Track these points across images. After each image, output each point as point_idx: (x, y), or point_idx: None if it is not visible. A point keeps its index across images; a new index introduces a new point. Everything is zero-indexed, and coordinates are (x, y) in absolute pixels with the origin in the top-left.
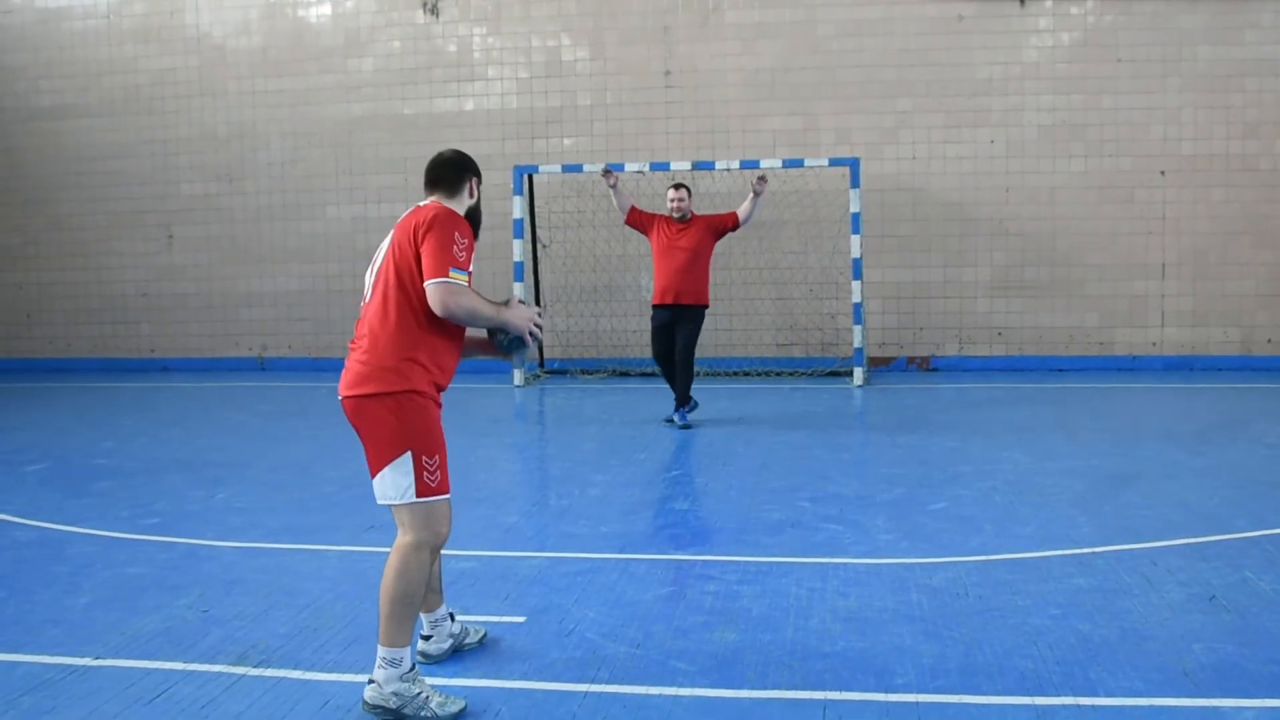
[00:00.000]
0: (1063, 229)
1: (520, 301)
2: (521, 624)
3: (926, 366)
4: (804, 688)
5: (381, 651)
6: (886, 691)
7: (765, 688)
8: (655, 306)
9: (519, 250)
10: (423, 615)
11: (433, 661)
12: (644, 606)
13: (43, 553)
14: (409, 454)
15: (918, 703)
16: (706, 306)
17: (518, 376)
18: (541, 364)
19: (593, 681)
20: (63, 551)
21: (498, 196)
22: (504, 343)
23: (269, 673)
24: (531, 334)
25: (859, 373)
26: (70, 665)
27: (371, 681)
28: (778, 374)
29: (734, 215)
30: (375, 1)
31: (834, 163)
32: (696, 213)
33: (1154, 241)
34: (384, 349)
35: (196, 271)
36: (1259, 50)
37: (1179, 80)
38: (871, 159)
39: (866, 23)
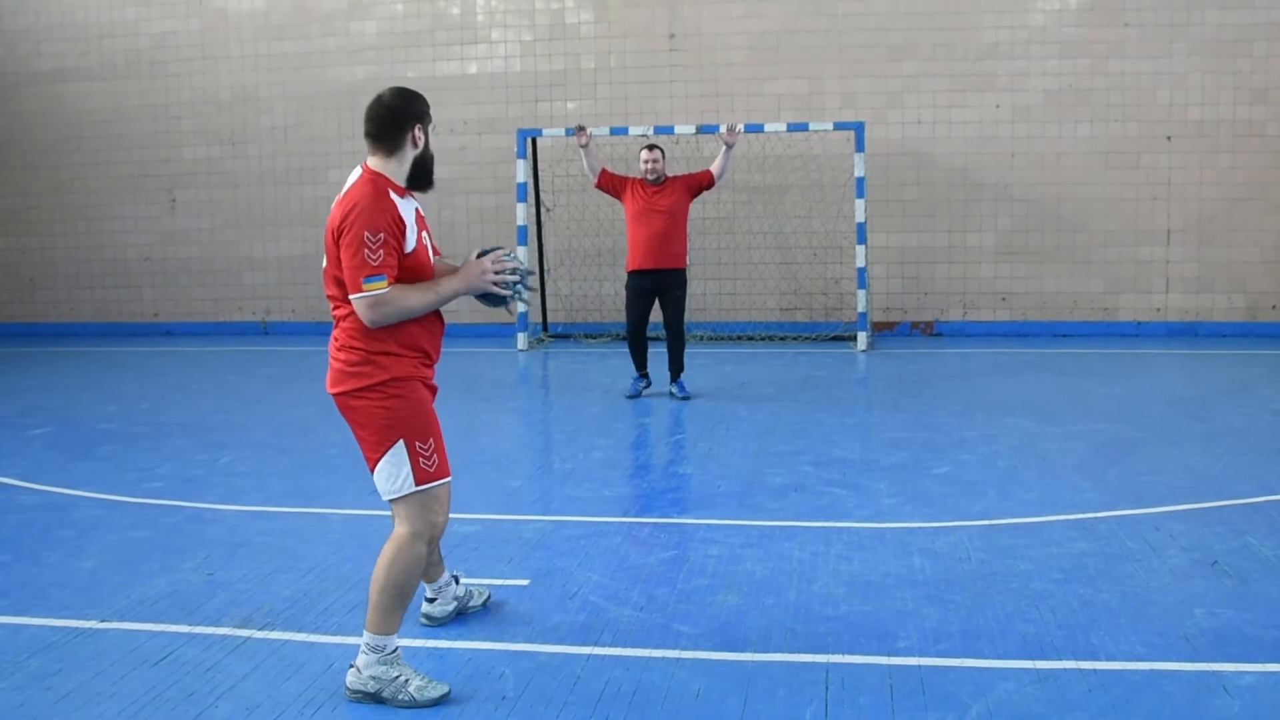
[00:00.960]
0: (1068, 194)
1: (479, 256)
2: (525, 587)
3: (930, 331)
4: (807, 651)
5: (366, 637)
6: (889, 655)
7: (768, 651)
8: (633, 273)
9: (522, 214)
10: (425, 583)
11: (436, 624)
12: (647, 570)
13: (48, 516)
14: (401, 443)
15: (920, 666)
16: (684, 270)
17: (521, 340)
18: (545, 327)
19: (596, 644)
20: (68, 515)
21: (501, 160)
22: (487, 303)
23: (273, 635)
24: (501, 284)
25: (863, 337)
26: (76, 628)
27: (353, 666)
28: (781, 338)
29: (708, 173)
30: None
31: (839, 126)
32: (670, 174)
33: (1159, 207)
34: (353, 345)
35: (199, 235)
36: (1267, 15)
37: (1186, 45)
38: (877, 123)
39: None
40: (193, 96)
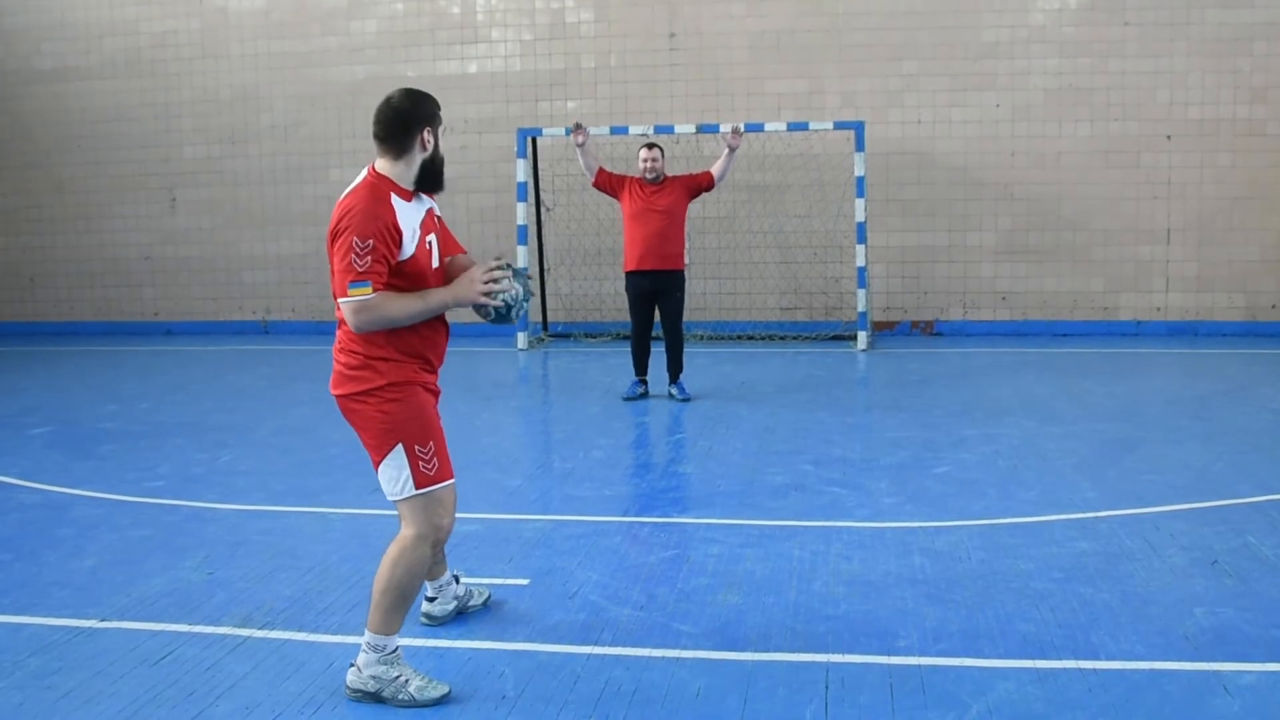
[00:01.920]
0: (1068, 193)
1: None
2: (525, 586)
3: (930, 331)
4: (807, 650)
5: (367, 637)
6: (889, 654)
7: (768, 650)
8: (632, 274)
9: (522, 213)
10: (426, 581)
11: (436, 623)
12: (647, 569)
13: (48, 515)
14: (400, 447)
15: (920, 665)
16: (682, 271)
17: (521, 340)
18: (545, 327)
19: (596, 644)
20: (68, 514)
21: (501, 159)
22: (482, 314)
23: (274, 635)
24: (495, 294)
25: (863, 337)
26: (76, 627)
27: (353, 665)
28: (781, 338)
29: (708, 175)
30: None
31: (839, 126)
32: (669, 173)
33: (1159, 206)
34: (352, 349)
35: (200, 234)
36: (1267, 14)
37: (1186, 44)
38: (877, 122)
39: None
40: (193, 95)
